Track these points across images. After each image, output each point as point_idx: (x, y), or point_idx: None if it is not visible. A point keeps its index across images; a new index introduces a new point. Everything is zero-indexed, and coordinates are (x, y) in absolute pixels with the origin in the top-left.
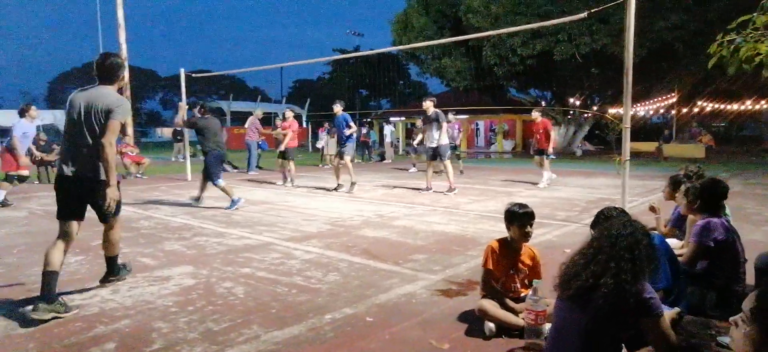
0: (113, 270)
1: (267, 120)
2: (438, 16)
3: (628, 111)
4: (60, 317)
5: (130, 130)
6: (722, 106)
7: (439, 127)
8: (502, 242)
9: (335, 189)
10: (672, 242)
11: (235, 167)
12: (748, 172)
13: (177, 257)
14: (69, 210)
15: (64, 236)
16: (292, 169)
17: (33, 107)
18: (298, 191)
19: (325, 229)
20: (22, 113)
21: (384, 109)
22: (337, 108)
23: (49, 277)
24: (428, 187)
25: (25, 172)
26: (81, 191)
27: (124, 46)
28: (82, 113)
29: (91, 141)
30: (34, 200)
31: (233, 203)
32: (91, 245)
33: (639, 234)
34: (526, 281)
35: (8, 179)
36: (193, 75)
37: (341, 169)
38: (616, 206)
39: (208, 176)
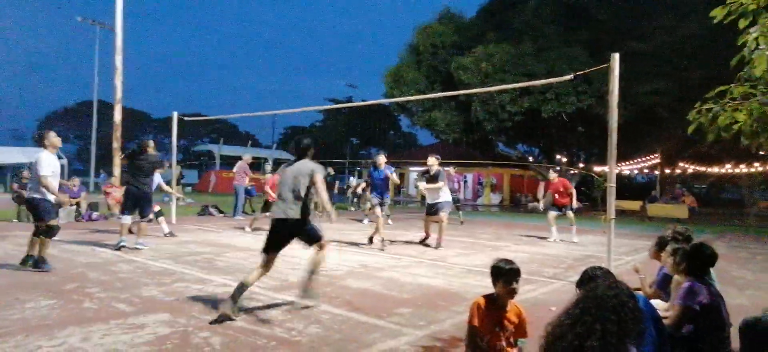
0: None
1: (257, 165)
2: (429, 70)
3: (612, 170)
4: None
5: (117, 171)
6: (703, 169)
7: (442, 184)
8: (488, 298)
9: (381, 243)
10: (657, 303)
11: (221, 212)
12: (731, 234)
13: (154, 303)
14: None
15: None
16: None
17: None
18: None
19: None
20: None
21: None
22: (381, 160)
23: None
24: (427, 235)
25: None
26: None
27: (119, 89)
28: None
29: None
30: (9, 240)
31: (119, 242)
32: (63, 290)
33: (624, 296)
34: (511, 340)
35: None
36: (185, 118)
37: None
38: (602, 264)
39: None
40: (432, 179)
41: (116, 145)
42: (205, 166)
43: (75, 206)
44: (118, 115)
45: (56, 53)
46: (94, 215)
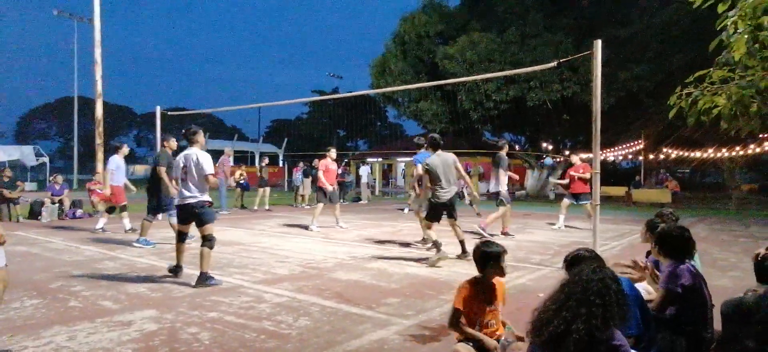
0: None
1: (243, 159)
2: (415, 61)
3: (597, 157)
4: None
5: (100, 166)
6: (686, 154)
7: (497, 172)
8: (473, 282)
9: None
10: (642, 286)
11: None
12: (713, 217)
13: (140, 300)
14: None
15: None
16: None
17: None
18: (272, 231)
19: (298, 271)
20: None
21: (361, 150)
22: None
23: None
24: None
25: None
26: None
27: (99, 83)
28: None
29: None
30: None
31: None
32: (48, 288)
33: (609, 280)
34: (499, 316)
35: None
36: (169, 113)
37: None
38: (589, 248)
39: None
40: (494, 165)
41: (99, 141)
42: None
43: (58, 204)
44: (99, 111)
45: (33, 49)
46: (78, 212)
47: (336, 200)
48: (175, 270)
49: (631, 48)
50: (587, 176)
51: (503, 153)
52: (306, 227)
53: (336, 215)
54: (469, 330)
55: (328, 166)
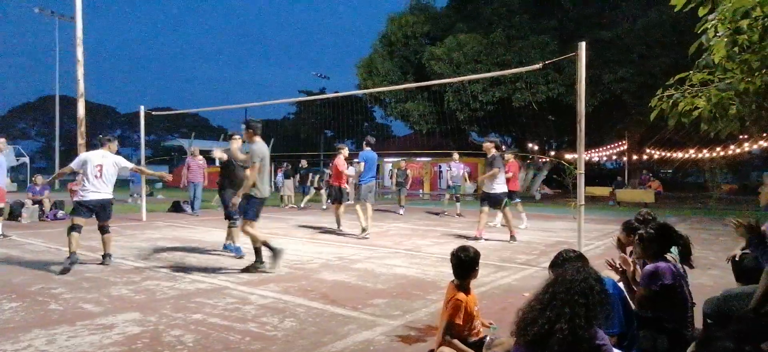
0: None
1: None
2: (402, 61)
3: (581, 157)
4: None
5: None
6: (668, 155)
7: (497, 171)
8: (461, 290)
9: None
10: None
11: (193, 208)
12: (694, 217)
13: (123, 302)
14: None
15: None
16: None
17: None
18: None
19: (284, 272)
20: None
21: (350, 151)
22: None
23: None
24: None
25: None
26: None
27: (81, 82)
28: None
29: None
30: None
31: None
32: (28, 291)
33: (592, 280)
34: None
35: None
36: (154, 113)
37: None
38: (574, 248)
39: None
40: (487, 165)
41: (81, 141)
42: (177, 161)
43: (38, 206)
44: (81, 110)
45: (13, 47)
46: (60, 213)
47: (343, 201)
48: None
49: (615, 51)
50: (510, 174)
51: (494, 151)
52: (301, 227)
53: (338, 216)
54: (462, 347)
55: (340, 164)
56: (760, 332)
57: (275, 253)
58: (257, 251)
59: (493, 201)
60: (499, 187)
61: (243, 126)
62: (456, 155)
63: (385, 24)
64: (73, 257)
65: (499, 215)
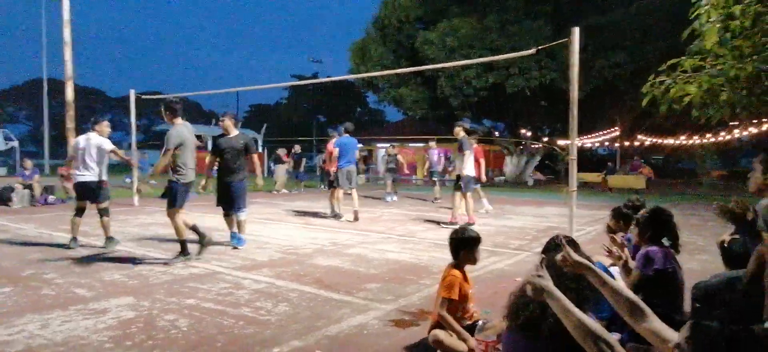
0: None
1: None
2: (395, 45)
3: (573, 143)
4: None
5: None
6: (660, 141)
7: (462, 155)
8: (459, 269)
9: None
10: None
11: None
12: (684, 202)
13: (116, 287)
14: None
15: None
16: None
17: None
18: (251, 218)
19: (277, 257)
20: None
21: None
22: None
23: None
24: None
25: None
26: None
27: (69, 65)
28: None
29: None
30: None
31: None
32: (20, 276)
33: None
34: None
35: None
36: (144, 97)
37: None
38: (566, 233)
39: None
40: (458, 148)
41: (70, 125)
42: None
43: (28, 190)
44: (70, 93)
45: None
46: (50, 198)
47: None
48: None
49: (609, 36)
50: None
51: (463, 134)
52: (294, 212)
53: (334, 202)
54: (456, 326)
55: (333, 149)
56: (748, 313)
57: (203, 240)
58: (183, 244)
59: (466, 182)
60: (469, 170)
61: (162, 107)
62: (432, 143)
63: (379, 7)
64: (72, 242)
65: (485, 199)
